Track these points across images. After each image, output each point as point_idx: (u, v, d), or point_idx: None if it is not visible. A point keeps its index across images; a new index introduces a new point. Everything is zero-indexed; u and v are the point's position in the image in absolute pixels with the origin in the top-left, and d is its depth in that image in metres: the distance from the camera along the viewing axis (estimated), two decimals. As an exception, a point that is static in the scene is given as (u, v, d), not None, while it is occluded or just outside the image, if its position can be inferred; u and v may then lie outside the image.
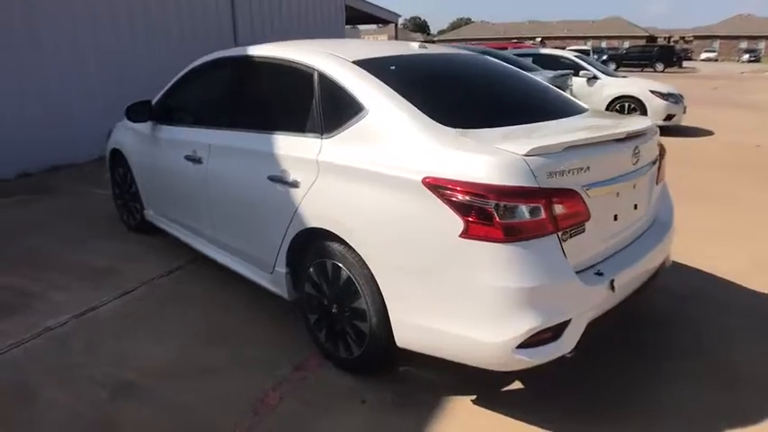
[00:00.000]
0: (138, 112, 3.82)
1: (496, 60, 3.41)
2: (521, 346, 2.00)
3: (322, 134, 2.57)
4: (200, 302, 3.43)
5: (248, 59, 3.19)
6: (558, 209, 2.01)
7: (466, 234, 1.97)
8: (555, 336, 2.05)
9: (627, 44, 44.43)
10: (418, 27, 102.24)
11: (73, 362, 2.80)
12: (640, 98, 9.44)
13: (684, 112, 9.69)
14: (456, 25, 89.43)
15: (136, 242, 4.43)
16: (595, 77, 9.81)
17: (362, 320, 2.43)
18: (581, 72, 9.80)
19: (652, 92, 9.40)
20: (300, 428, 2.31)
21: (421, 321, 2.18)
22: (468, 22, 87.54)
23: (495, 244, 1.94)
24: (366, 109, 2.42)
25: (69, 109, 7.22)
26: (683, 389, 2.52)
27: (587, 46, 30.39)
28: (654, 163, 2.67)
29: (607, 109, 9.80)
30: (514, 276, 1.95)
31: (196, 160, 3.35)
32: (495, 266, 1.96)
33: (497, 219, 1.93)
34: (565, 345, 2.08)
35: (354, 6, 15.32)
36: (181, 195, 3.67)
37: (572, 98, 3.19)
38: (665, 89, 9.50)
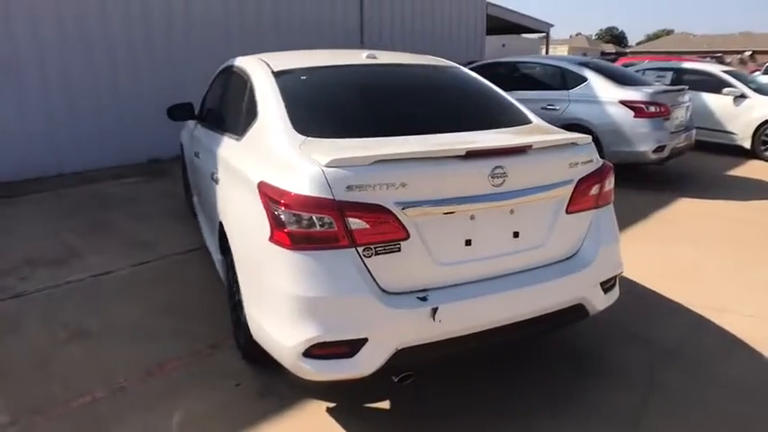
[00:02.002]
0: (177, 111, 4.46)
1: (452, 74, 3.29)
2: (308, 356, 2.02)
3: (239, 137, 2.84)
4: (191, 280, 3.92)
5: (228, 69, 3.59)
6: (356, 223, 1.97)
7: (271, 238, 2.07)
8: (350, 353, 2.01)
9: None
10: (614, 38, 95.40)
11: (63, 308, 3.47)
12: (796, 123, 7.83)
13: None
14: (655, 36, 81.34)
15: (185, 223, 5.14)
16: (743, 96, 8.37)
17: (242, 311, 2.64)
18: (724, 90, 8.44)
19: (815, 116, 7.73)
20: (168, 393, 2.61)
21: (256, 317, 2.31)
22: (669, 33, 79.02)
23: (286, 250, 2.01)
24: (258, 115, 2.62)
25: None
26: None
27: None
28: (560, 186, 2.36)
29: (755, 134, 8.31)
30: (298, 284, 1.99)
31: (198, 156, 3.86)
32: (285, 272, 2.02)
33: (286, 226, 1.99)
34: (361, 365, 2.02)
35: (499, 16, 15.07)
36: (195, 186, 4.24)
37: (522, 111, 2.95)
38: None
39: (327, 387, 2.60)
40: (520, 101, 7.43)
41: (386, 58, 3.25)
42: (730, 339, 3.15)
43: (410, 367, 2.16)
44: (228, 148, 2.90)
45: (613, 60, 15.36)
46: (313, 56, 3.28)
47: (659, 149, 6.24)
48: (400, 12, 11.99)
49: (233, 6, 8.99)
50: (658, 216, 5.53)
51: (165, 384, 2.69)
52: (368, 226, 1.99)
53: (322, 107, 2.67)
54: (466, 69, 3.37)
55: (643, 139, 6.22)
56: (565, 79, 6.96)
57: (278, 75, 2.81)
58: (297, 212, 1.97)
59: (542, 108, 6.93)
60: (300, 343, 2.00)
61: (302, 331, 2.00)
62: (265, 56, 3.28)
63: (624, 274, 4.05)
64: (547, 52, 18.72)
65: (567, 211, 2.40)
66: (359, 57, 3.16)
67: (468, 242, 2.18)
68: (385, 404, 2.56)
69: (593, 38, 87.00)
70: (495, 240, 2.25)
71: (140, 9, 7.91)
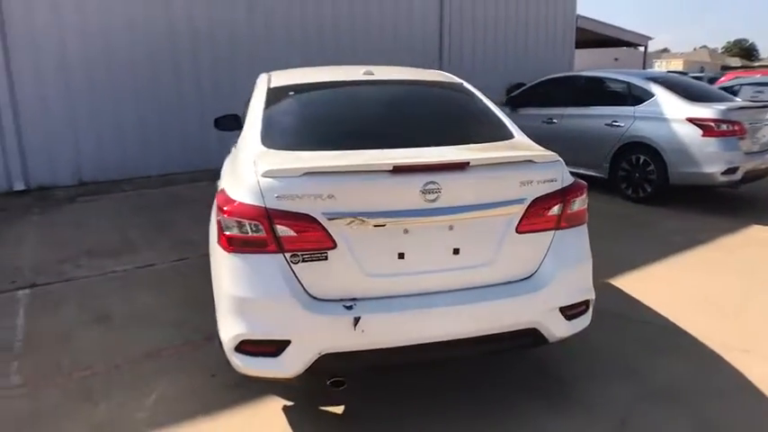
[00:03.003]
0: (223, 122, 4.82)
1: (445, 90, 3.31)
2: (239, 351, 2.16)
3: (235, 147, 3.08)
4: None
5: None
6: (283, 231, 2.08)
7: (218, 241, 2.25)
8: (274, 352, 2.12)
9: None
10: (743, 51, 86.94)
11: (99, 294, 3.93)
12: None
13: None
14: (794, 46, 72.68)
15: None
16: None
17: None
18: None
19: None
20: (154, 375, 2.89)
21: (216, 312, 2.50)
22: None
23: (226, 252, 2.17)
24: (244, 128, 2.84)
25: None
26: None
27: None
28: (508, 205, 2.29)
29: None
30: (232, 284, 2.15)
31: None
32: (224, 273, 2.19)
33: (225, 231, 2.16)
34: (286, 365, 2.12)
35: (592, 29, 14.42)
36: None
37: (506, 127, 2.86)
38: None
39: (296, 387, 2.72)
40: (581, 117, 7.05)
41: (383, 74, 3.32)
42: (743, 384, 2.83)
43: (339, 373, 2.23)
44: (227, 158, 3.16)
45: (717, 76, 14.04)
46: (316, 72, 3.45)
47: (730, 171, 5.67)
48: (483, 23, 11.87)
49: (311, 33, 9.47)
50: (718, 243, 5.04)
51: (155, 367, 2.97)
52: (295, 234, 2.10)
53: (294, 121, 2.82)
54: (466, 86, 3.33)
55: (711, 160, 5.70)
56: (631, 95, 6.57)
57: (272, 90, 3.02)
58: (233, 218, 2.13)
59: (606, 125, 6.61)
60: (231, 338, 2.16)
61: (233, 327, 2.15)
62: (278, 72, 3.52)
63: (649, 304, 3.81)
64: (644, 66, 17.53)
65: (518, 231, 2.32)
66: (356, 73, 3.26)
67: (401, 255, 2.20)
68: (339, 409, 2.64)
69: (720, 51, 79.80)
70: (431, 256, 2.25)
71: (228, 33, 8.65)
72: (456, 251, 2.26)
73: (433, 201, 2.17)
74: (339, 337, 2.12)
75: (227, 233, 2.16)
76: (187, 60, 8.38)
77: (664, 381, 2.83)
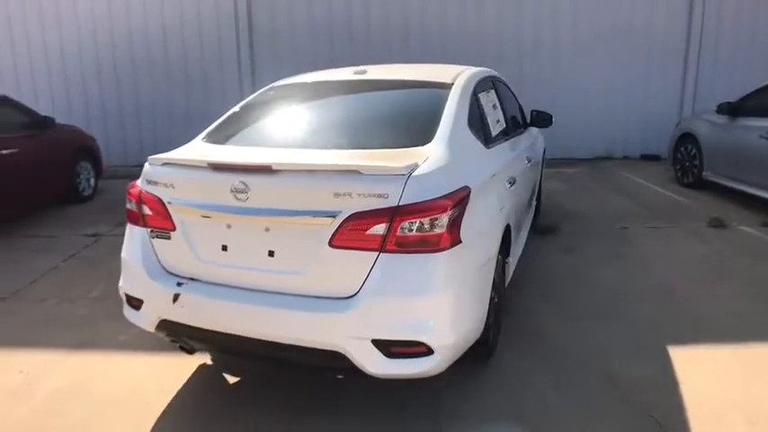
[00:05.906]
0: None
1: (415, 92, 3.20)
2: (127, 302, 2.74)
3: None
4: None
5: None
6: (146, 209, 2.58)
7: None
8: (137, 307, 2.64)
9: None
10: None
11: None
12: None
13: None
14: None
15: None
16: None
17: None
18: None
19: None
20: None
21: None
22: None
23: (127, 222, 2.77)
24: None
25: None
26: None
27: None
28: (317, 215, 2.22)
29: None
30: (123, 246, 2.76)
31: None
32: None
33: (125, 203, 2.73)
34: (144, 320, 2.61)
35: None
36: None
37: (434, 134, 2.61)
38: None
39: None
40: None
41: (378, 73, 3.40)
42: None
43: (185, 339, 2.61)
44: None
45: None
46: (318, 73, 3.70)
47: None
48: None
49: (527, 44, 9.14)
50: None
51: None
52: (151, 213, 2.58)
53: (242, 119, 3.20)
54: (456, 87, 3.01)
55: None
56: None
57: (265, 90, 3.49)
58: (128, 195, 2.72)
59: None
60: (119, 288, 2.75)
61: (120, 280, 2.77)
62: (299, 75, 3.84)
63: (688, 395, 2.68)
64: None
65: (331, 245, 2.23)
66: (347, 73, 3.46)
67: (224, 248, 2.43)
68: (235, 379, 2.97)
69: None
70: (249, 253, 2.39)
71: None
72: (271, 253, 2.35)
73: (244, 201, 2.32)
74: (167, 307, 2.50)
75: (126, 206, 2.73)
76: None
77: None
